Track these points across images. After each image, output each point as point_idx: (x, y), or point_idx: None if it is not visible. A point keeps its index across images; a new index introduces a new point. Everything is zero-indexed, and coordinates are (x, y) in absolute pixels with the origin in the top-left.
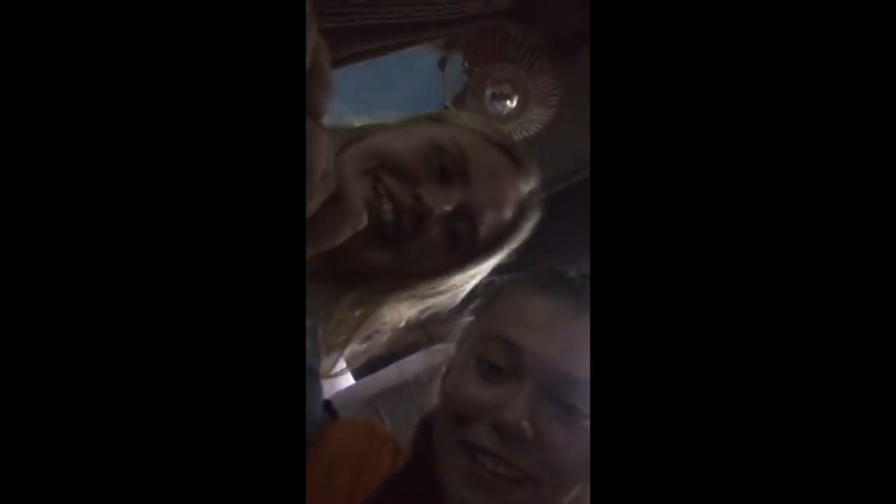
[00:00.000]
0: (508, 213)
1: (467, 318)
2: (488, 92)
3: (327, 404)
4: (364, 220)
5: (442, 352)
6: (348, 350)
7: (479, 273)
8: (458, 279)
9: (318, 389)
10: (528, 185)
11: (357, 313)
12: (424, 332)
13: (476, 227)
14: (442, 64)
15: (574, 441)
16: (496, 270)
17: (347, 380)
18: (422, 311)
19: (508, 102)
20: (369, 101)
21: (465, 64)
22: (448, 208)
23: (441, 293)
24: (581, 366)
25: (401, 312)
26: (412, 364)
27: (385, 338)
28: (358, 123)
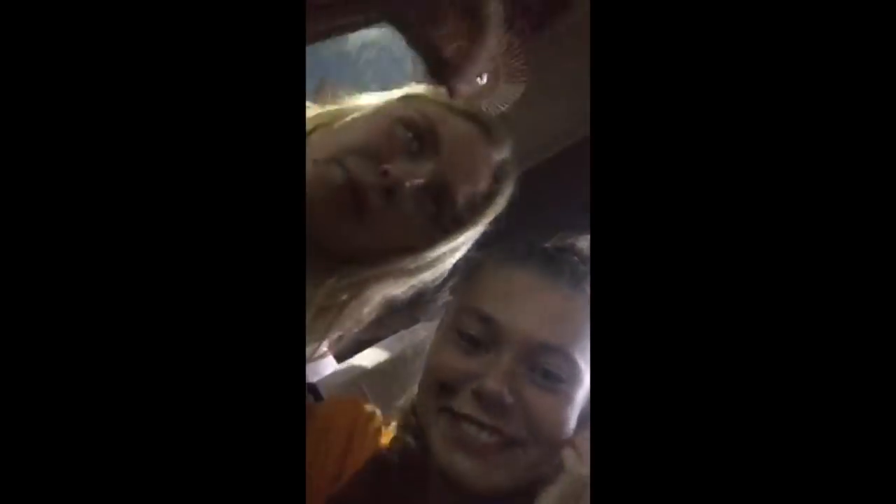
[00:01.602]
0: (484, 183)
1: (447, 296)
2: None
3: (311, 388)
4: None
5: (425, 330)
6: (334, 335)
7: (461, 245)
8: (440, 252)
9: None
10: (500, 154)
11: (341, 298)
12: (409, 315)
13: (453, 198)
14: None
15: (554, 406)
16: (474, 246)
17: (332, 364)
18: (406, 290)
19: (479, 80)
20: (338, 78)
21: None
22: (420, 181)
23: (424, 269)
24: (556, 334)
25: (384, 294)
26: (396, 344)
27: (369, 320)
28: (323, 109)
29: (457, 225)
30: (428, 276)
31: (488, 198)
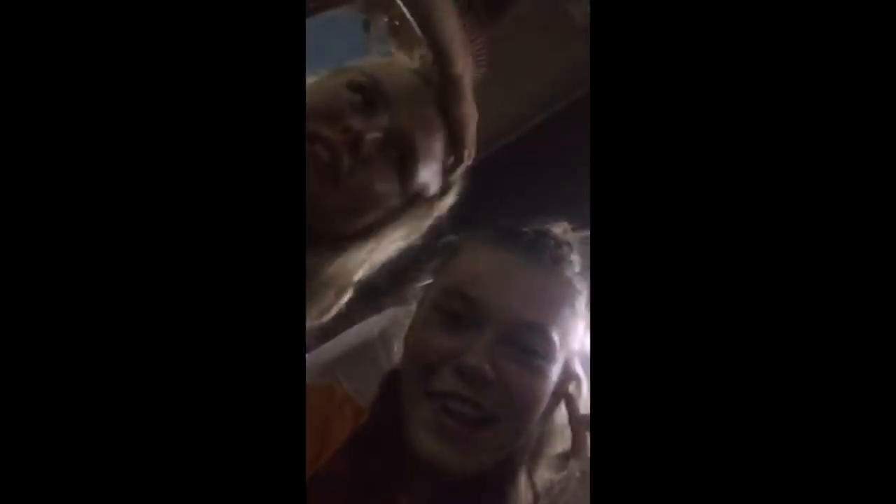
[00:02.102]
0: (440, 137)
1: (427, 279)
2: (416, 54)
3: None
4: None
5: (405, 310)
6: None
7: (437, 202)
8: (410, 219)
9: None
10: (452, 111)
11: (328, 271)
12: (379, 301)
13: (412, 145)
14: (366, 25)
15: (532, 382)
16: (454, 230)
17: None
18: (391, 254)
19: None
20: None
21: (391, 24)
22: (378, 134)
23: (400, 226)
24: (536, 312)
25: (371, 261)
26: (366, 328)
27: (346, 299)
28: None
29: (423, 175)
30: (408, 235)
31: (451, 162)
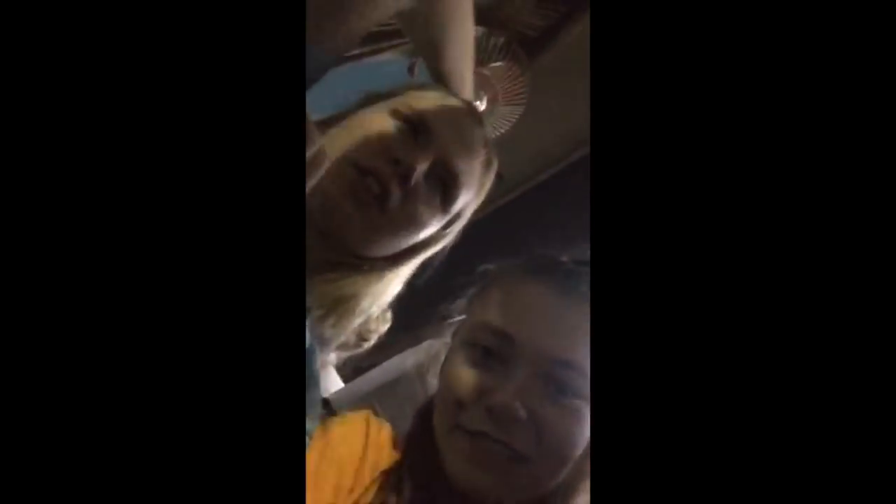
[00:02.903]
0: (479, 154)
1: (462, 311)
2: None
3: (325, 402)
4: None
5: (441, 342)
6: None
7: (461, 217)
8: (445, 235)
9: (316, 387)
10: (482, 128)
11: (362, 288)
12: (415, 334)
13: (455, 174)
14: (411, 69)
15: (568, 422)
16: (490, 259)
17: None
18: (415, 269)
19: (478, 103)
20: (341, 108)
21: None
22: (426, 164)
23: (432, 244)
24: (572, 349)
25: (401, 278)
26: (402, 361)
27: (383, 327)
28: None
29: (460, 204)
30: (431, 253)
31: (485, 169)
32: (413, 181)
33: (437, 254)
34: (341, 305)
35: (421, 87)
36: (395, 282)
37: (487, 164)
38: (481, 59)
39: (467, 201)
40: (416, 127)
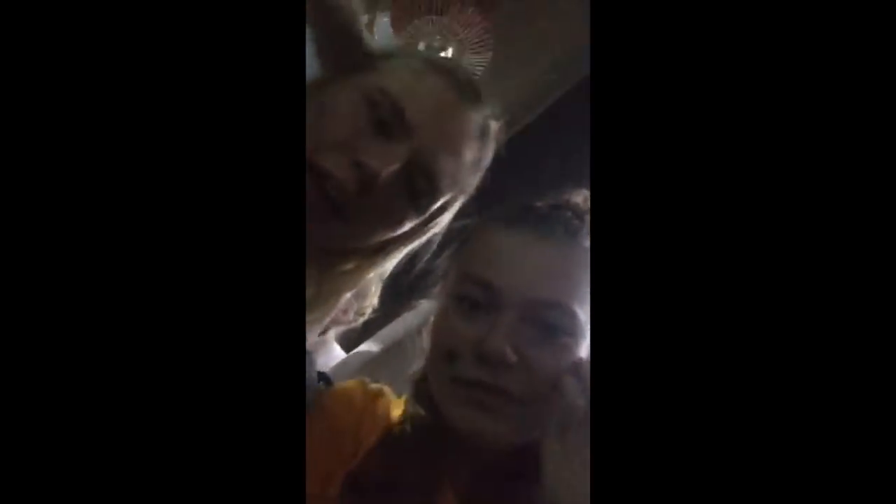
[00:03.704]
0: (469, 151)
1: (444, 266)
2: (422, 45)
3: (322, 376)
4: None
5: (430, 303)
6: (333, 321)
7: (446, 216)
8: (426, 226)
9: (311, 362)
10: (480, 112)
11: (338, 285)
12: (410, 297)
13: (433, 176)
14: (369, 27)
15: (556, 359)
16: (466, 214)
17: (340, 353)
18: (398, 263)
19: (444, 53)
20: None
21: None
22: (396, 166)
23: (411, 239)
24: (554, 289)
25: (379, 273)
26: (399, 326)
27: (370, 308)
28: None
29: (442, 203)
30: (418, 245)
31: (476, 164)
32: (377, 187)
33: (424, 247)
34: (316, 301)
35: (392, 54)
36: (372, 275)
37: (479, 159)
38: (439, 6)
39: (450, 199)
40: (389, 120)
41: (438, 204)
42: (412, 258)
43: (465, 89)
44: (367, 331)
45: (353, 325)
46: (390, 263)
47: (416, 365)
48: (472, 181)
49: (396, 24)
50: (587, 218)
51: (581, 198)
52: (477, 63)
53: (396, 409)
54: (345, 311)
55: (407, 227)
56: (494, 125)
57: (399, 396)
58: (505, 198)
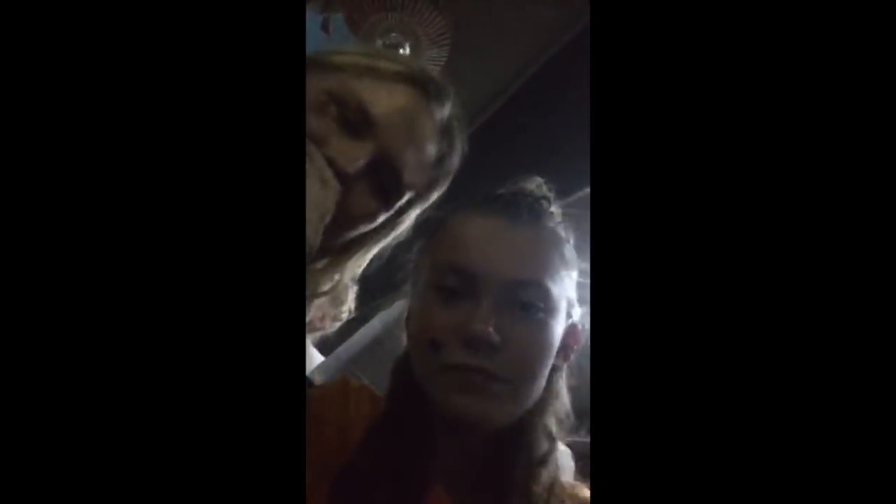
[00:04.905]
0: (432, 147)
1: (416, 259)
2: (379, 43)
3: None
4: None
5: (404, 297)
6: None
7: (414, 213)
8: (398, 224)
9: None
10: (443, 111)
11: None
12: (385, 296)
13: (399, 171)
14: (325, 26)
15: (538, 336)
16: (435, 206)
17: (318, 356)
18: (370, 265)
19: (402, 50)
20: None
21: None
22: (362, 163)
23: (381, 237)
24: (527, 268)
25: (352, 275)
26: (380, 320)
27: (347, 312)
28: None
29: (408, 198)
30: (387, 243)
31: (440, 161)
32: (346, 184)
33: (394, 244)
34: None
35: (347, 51)
36: (345, 274)
37: (443, 154)
38: (396, 2)
39: (417, 194)
40: (354, 118)
41: (406, 198)
42: (384, 257)
43: (427, 86)
44: (344, 333)
45: (331, 330)
46: (362, 261)
47: (398, 359)
48: (439, 176)
49: (352, 23)
50: (544, 202)
51: (534, 185)
52: (435, 59)
53: (380, 404)
54: (321, 318)
55: (376, 222)
56: (456, 122)
57: (381, 392)
58: (468, 188)
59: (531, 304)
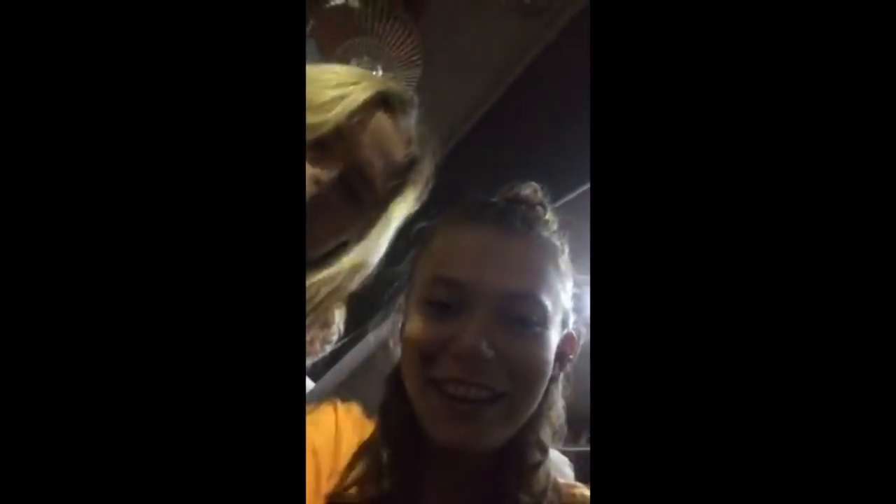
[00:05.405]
0: (399, 152)
1: (409, 270)
2: (354, 61)
3: None
4: None
5: (397, 312)
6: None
7: (395, 218)
8: (375, 233)
9: None
10: (408, 119)
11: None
12: (375, 316)
13: (371, 179)
14: None
15: (533, 350)
16: (426, 215)
17: (309, 382)
18: (358, 284)
19: (374, 73)
20: None
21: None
22: (334, 173)
23: (365, 253)
24: (521, 281)
25: (340, 296)
26: (365, 345)
27: (337, 333)
28: None
29: (382, 201)
30: (372, 259)
31: (411, 164)
32: (321, 189)
33: (378, 263)
34: None
35: (321, 69)
36: (317, 289)
37: (413, 162)
38: (366, 27)
39: (388, 195)
40: (322, 134)
41: (378, 199)
42: (373, 275)
43: (398, 100)
44: (335, 356)
45: (322, 354)
46: (347, 281)
47: (391, 372)
48: (414, 181)
49: (324, 50)
50: (539, 209)
51: (530, 190)
52: (409, 79)
53: (370, 425)
54: (311, 343)
55: (352, 230)
56: (429, 136)
57: (371, 413)
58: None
59: (526, 317)
